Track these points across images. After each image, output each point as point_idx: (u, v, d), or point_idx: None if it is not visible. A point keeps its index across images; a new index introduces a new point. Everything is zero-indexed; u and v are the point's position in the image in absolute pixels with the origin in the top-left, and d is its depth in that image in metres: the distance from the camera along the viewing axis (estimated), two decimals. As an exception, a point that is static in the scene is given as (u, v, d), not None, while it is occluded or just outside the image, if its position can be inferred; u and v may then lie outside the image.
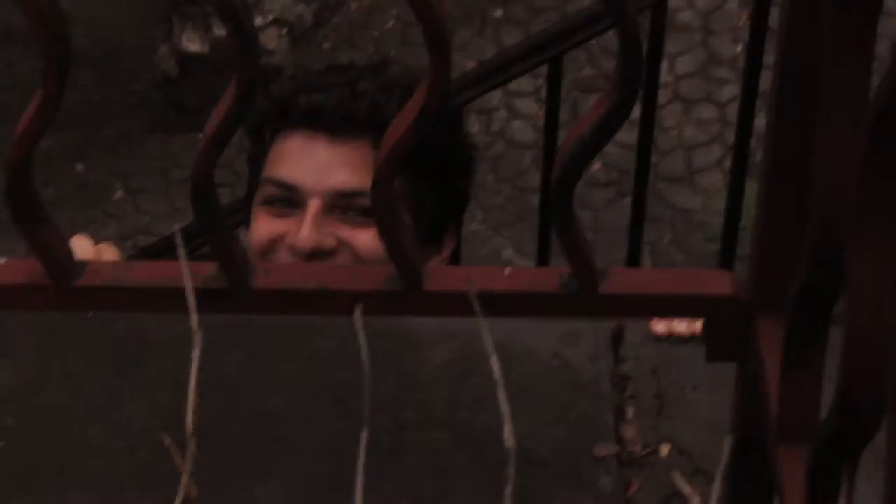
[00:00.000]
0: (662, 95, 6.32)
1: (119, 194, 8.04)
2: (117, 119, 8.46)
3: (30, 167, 1.47)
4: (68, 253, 1.49)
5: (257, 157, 2.33)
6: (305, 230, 2.19)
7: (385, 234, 1.51)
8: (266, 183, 2.25)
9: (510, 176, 7.89)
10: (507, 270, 1.61)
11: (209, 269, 1.47)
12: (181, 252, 1.47)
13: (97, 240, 1.99)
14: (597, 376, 1.81)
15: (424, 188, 2.27)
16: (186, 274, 1.45)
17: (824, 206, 1.25)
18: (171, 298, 1.46)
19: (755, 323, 1.54)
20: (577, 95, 7.94)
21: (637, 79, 1.45)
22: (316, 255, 2.25)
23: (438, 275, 1.55)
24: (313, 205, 2.27)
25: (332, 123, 2.19)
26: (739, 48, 8.07)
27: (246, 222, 2.41)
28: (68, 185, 7.92)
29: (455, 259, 4.23)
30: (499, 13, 8.77)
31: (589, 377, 1.81)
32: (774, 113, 1.48)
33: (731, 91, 7.98)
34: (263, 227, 2.26)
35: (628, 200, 6.13)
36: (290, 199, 2.26)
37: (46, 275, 1.48)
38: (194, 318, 1.38)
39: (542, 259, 4.49)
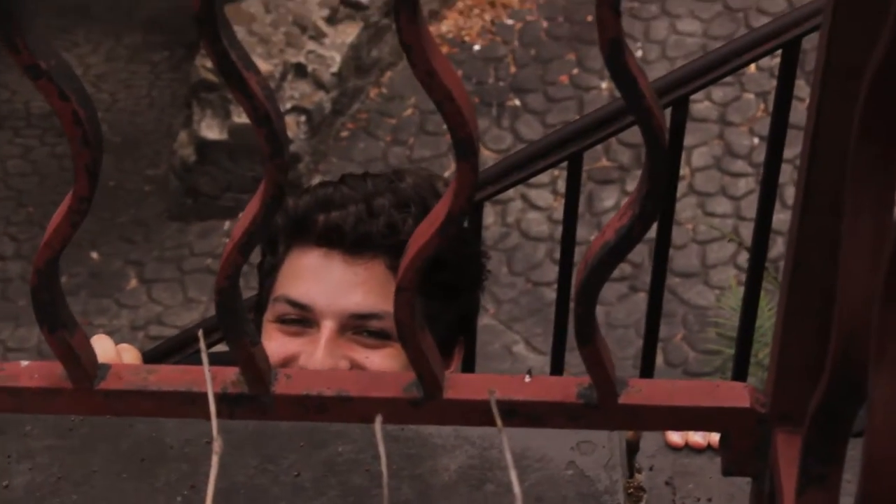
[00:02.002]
0: (678, 189, 6.34)
1: (133, 283, 8.03)
2: (133, 206, 8.46)
3: (57, 270, 1.47)
4: (92, 357, 1.49)
5: (270, 269, 2.31)
6: (319, 354, 2.20)
7: (407, 340, 1.51)
8: (280, 301, 2.23)
9: (524, 269, 7.89)
10: (527, 378, 1.62)
11: (231, 374, 1.48)
12: (204, 358, 1.47)
13: (109, 331, 1.99)
14: (611, 486, 1.81)
15: (437, 306, 2.25)
16: (209, 381, 1.45)
17: (847, 323, 1.26)
18: (192, 403, 1.46)
19: (773, 437, 1.54)
20: (593, 187, 7.96)
21: (661, 192, 1.46)
22: None
23: (458, 383, 1.56)
24: (327, 327, 2.26)
25: (349, 242, 2.18)
26: (756, 141, 8.10)
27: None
28: (82, 273, 7.92)
29: (469, 352, 4.20)
30: (516, 102, 8.80)
31: (604, 487, 1.81)
32: (798, 226, 1.48)
33: (747, 185, 8.01)
34: (276, 346, 2.22)
35: (641, 296, 6.14)
36: (303, 319, 2.25)
37: (68, 378, 1.49)
38: (215, 426, 1.39)
39: (557, 358, 4.46)
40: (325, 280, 2.20)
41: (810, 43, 3.16)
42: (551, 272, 6.02)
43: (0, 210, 8.51)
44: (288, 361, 2.26)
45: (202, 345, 1.50)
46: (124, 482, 1.81)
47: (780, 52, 3.80)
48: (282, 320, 2.24)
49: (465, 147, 1.41)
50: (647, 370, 4.54)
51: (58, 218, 1.44)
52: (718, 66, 3.97)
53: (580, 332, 1.55)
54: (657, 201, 1.46)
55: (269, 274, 2.32)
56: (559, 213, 5.70)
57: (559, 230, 4.38)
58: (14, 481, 1.82)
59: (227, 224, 8.01)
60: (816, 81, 1.40)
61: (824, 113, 1.39)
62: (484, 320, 6.94)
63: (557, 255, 4.27)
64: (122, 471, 1.82)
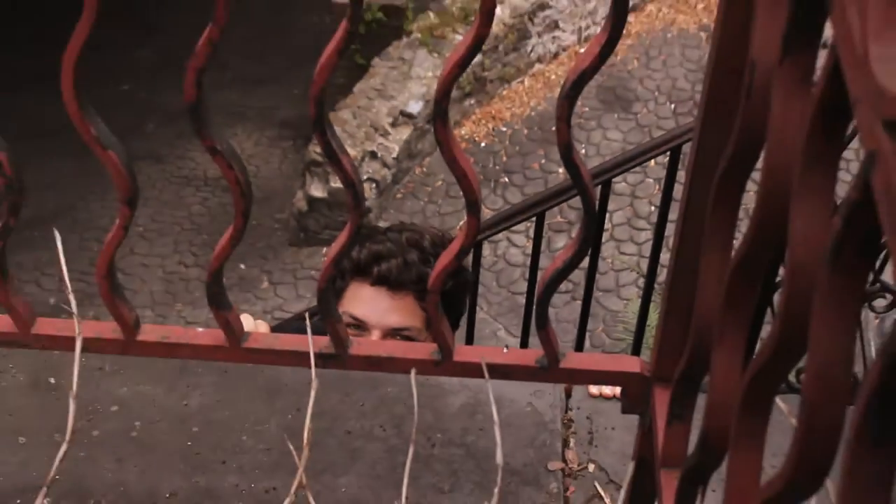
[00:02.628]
0: (602, 236, 6.41)
1: (265, 284, 8.11)
2: (267, 237, 8.53)
3: (221, 274, 1.49)
4: (240, 327, 1.51)
5: (338, 290, 2.28)
6: None
7: (434, 322, 1.53)
8: (345, 314, 2.20)
9: (506, 283, 7.89)
10: (504, 350, 1.63)
11: (324, 340, 1.49)
12: (308, 328, 1.49)
13: (255, 316, 1.99)
14: (553, 418, 1.82)
15: (445, 307, 2.24)
16: (311, 344, 1.47)
17: (700, 322, 1.27)
18: (300, 358, 1.48)
19: (653, 390, 1.55)
20: (551, 234, 7.96)
21: (591, 238, 1.48)
22: None
23: (462, 351, 1.57)
24: (375, 334, 2.21)
25: (391, 284, 2.16)
26: (653, 209, 8.10)
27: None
28: (234, 277, 7.96)
29: (469, 338, 4.21)
30: (505, 179, 8.81)
31: (549, 418, 1.81)
32: (675, 261, 1.49)
33: (646, 235, 7.99)
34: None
35: (577, 303, 6.14)
36: (359, 327, 2.21)
37: (226, 340, 1.50)
38: (314, 372, 1.41)
39: (524, 339, 4.48)
40: (375, 306, 2.16)
41: (688, 147, 3.18)
42: (523, 286, 6.02)
43: (187, 236, 8.57)
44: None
45: (307, 322, 1.51)
46: (257, 405, 1.84)
47: (669, 153, 3.80)
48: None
49: (473, 206, 1.43)
50: (578, 348, 4.54)
51: (223, 242, 1.45)
52: (631, 160, 3.99)
53: (539, 323, 1.56)
54: (588, 243, 1.47)
55: (338, 288, 2.29)
56: (529, 249, 5.69)
57: (528, 260, 4.38)
58: (191, 402, 1.85)
59: (324, 249, 8.07)
60: (688, 172, 1.41)
61: (693, 190, 1.40)
62: (480, 315, 6.94)
63: (527, 275, 4.27)
64: (255, 398, 1.85)
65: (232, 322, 1.50)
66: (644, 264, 6.42)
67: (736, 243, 1.17)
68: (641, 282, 7.17)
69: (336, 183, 8.28)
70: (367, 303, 2.22)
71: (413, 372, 1.49)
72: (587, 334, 5.01)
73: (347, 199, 1.43)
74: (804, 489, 0.87)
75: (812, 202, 0.86)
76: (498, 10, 9.57)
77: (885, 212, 0.66)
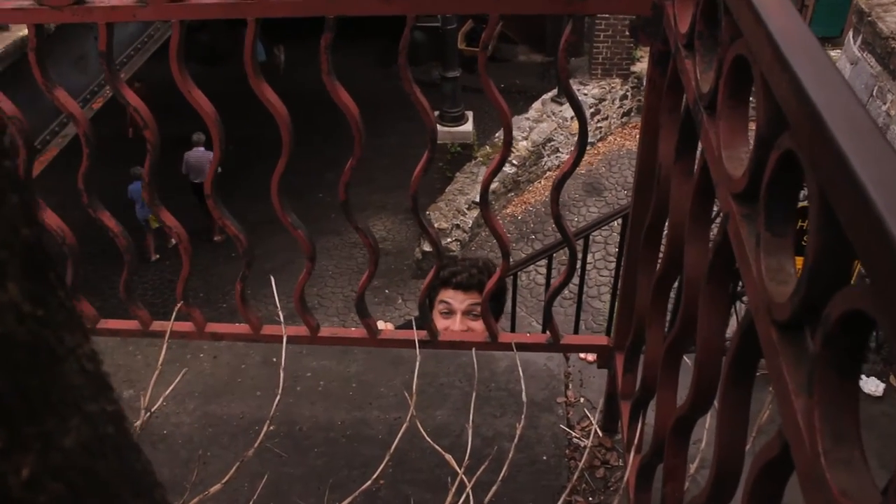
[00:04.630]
0: (588, 266, 6.31)
1: (399, 301, 8.04)
2: (400, 274, 8.47)
3: (364, 298, 1.48)
4: (376, 326, 1.50)
5: (433, 294, 2.24)
6: (456, 325, 2.12)
7: (485, 319, 1.50)
8: (441, 303, 2.16)
9: (535, 295, 7.76)
10: (528, 335, 1.60)
11: (423, 333, 1.47)
12: (414, 327, 1.47)
13: (392, 321, 1.97)
14: (559, 372, 1.77)
15: (494, 305, 2.18)
16: (415, 335, 1.46)
17: (639, 312, 1.23)
18: (410, 343, 1.46)
19: (614, 355, 1.51)
20: (559, 266, 7.89)
21: (573, 269, 1.44)
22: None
23: (503, 336, 1.54)
24: (458, 313, 2.11)
25: (465, 287, 2.12)
26: (616, 250, 7.99)
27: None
28: (381, 297, 7.95)
29: (512, 327, 4.13)
30: (532, 236, 8.76)
31: (556, 372, 1.77)
32: (623, 276, 1.45)
33: (613, 265, 7.87)
34: (440, 324, 2.14)
35: (573, 308, 6.08)
36: (449, 312, 2.17)
37: (367, 334, 1.49)
38: (418, 350, 1.40)
39: (544, 328, 4.38)
40: (456, 299, 2.13)
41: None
42: (542, 294, 5.94)
43: (355, 276, 8.34)
44: (445, 329, 2.17)
45: (413, 322, 1.50)
46: (387, 370, 1.79)
47: (622, 218, 3.73)
48: (441, 312, 2.18)
49: (506, 255, 1.40)
50: (575, 332, 4.43)
51: (364, 279, 1.43)
52: (602, 222, 3.92)
53: (546, 318, 1.53)
54: (571, 274, 1.44)
55: (433, 296, 2.24)
56: (542, 278, 5.70)
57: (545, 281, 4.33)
58: (350, 369, 1.81)
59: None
60: (629, 228, 1.37)
61: (632, 238, 1.36)
62: (519, 314, 6.87)
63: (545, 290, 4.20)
64: (386, 366, 1.80)
65: (371, 324, 1.49)
66: (611, 280, 6.30)
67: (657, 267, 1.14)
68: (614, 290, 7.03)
69: (427, 247, 8.33)
70: (452, 298, 2.18)
71: (474, 350, 1.47)
72: (581, 323, 4.91)
73: (434, 252, 1.42)
74: (700, 409, 0.85)
75: (697, 244, 0.83)
76: (525, 143, 9.52)
77: (736, 249, 0.63)
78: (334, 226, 9.31)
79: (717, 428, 0.70)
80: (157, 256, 8.75)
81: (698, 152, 0.83)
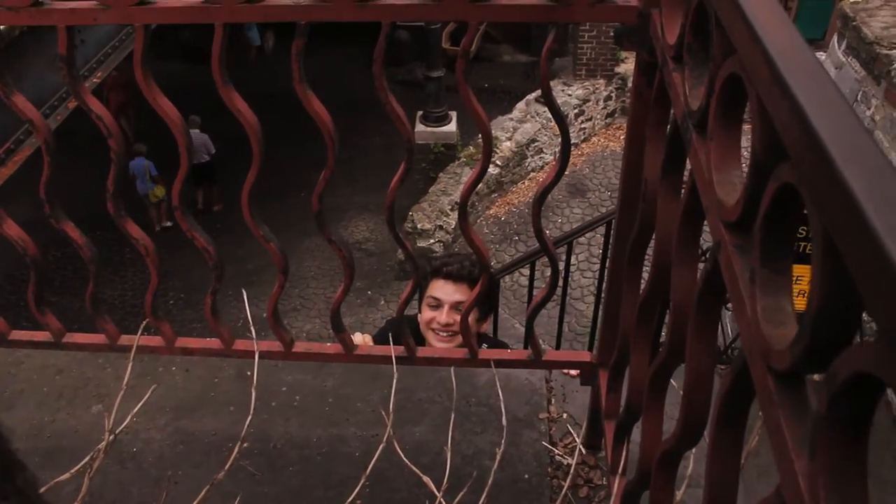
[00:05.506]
0: (570, 275, 6.27)
1: (382, 302, 7.93)
2: (382, 275, 8.35)
3: (339, 313, 1.43)
4: (352, 341, 1.45)
5: (424, 286, 2.18)
6: (443, 317, 2.07)
7: (464, 336, 1.46)
8: (429, 297, 2.10)
9: (518, 297, 7.72)
10: (508, 351, 1.55)
11: (400, 349, 1.42)
12: (391, 342, 1.43)
13: (375, 320, 1.92)
14: (541, 387, 1.73)
15: (483, 304, 2.11)
16: (392, 351, 1.41)
17: (624, 331, 1.19)
18: (388, 359, 1.41)
19: (597, 372, 1.47)
20: (542, 269, 7.86)
21: (556, 282, 1.40)
22: (447, 326, 2.12)
23: (483, 353, 1.49)
24: (446, 306, 2.06)
25: (455, 278, 2.08)
26: (600, 250, 7.99)
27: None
28: (364, 298, 7.86)
29: (495, 329, 4.08)
30: (515, 238, 8.71)
31: (538, 387, 1.73)
32: (606, 294, 1.42)
33: (597, 267, 7.83)
34: (427, 315, 2.12)
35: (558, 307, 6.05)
36: (438, 305, 2.12)
37: (343, 349, 1.44)
38: (394, 367, 1.35)
39: (526, 339, 4.34)
40: (445, 291, 2.08)
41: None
42: (526, 301, 5.90)
43: (334, 280, 8.30)
44: (431, 321, 2.12)
45: (391, 339, 1.45)
46: (364, 385, 1.75)
47: (606, 224, 3.71)
48: (429, 305, 2.11)
49: (485, 266, 1.36)
50: (557, 346, 4.39)
51: (338, 294, 1.39)
52: (585, 229, 3.90)
53: (527, 335, 1.48)
54: (554, 288, 1.40)
55: (423, 288, 2.18)
56: (526, 279, 5.65)
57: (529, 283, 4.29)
58: (327, 384, 1.77)
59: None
60: (611, 247, 1.34)
61: (616, 255, 1.33)
62: (502, 315, 6.83)
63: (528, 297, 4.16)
64: (363, 381, 1.76)
65: (347, 339, 1.44)
66: (595, 283, 6.26)
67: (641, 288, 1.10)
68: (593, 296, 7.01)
69: (419, 244, 8.25)
70: (440, 289, 2.12)
71: (452, 369, 1.42)
72: (565, 325, 4.86)
73: (411, 266, 1.37)
74: (687, 444, 0.81)
75: (684, 268, 0.79)
76: (509, 143, 9.49)
77: (728, 282, 0.59)
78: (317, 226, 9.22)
79: (707, 467, 0.66)
80: (170, 223, 8.87)
81: (686, 170, 0.79)
